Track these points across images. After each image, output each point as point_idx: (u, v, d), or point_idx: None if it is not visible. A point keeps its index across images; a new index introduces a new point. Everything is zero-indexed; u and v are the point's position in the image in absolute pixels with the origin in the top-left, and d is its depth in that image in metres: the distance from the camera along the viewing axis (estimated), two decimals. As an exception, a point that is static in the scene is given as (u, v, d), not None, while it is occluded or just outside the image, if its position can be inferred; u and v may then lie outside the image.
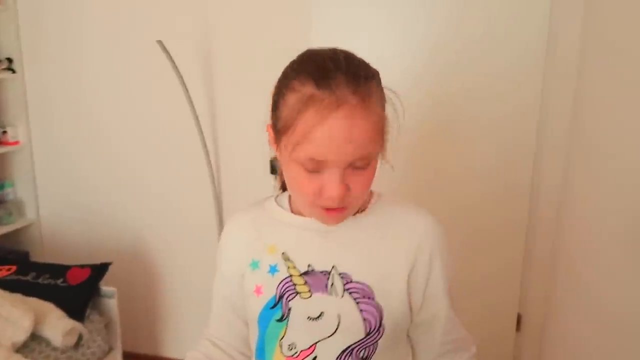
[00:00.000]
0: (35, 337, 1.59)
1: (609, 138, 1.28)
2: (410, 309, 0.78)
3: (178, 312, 2.27)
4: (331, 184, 0.65)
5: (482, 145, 1.79)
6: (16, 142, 2.25)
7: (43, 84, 2.22)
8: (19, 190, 2.33)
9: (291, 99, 0.65)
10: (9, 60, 2.17)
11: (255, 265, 0.77)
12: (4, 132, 2.21)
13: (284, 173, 0.73)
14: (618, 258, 1.15)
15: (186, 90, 1.86)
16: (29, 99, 2.25)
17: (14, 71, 2.18)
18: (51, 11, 2.12)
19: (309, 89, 0.63)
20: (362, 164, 0.66)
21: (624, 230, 1.12)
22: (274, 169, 1.95)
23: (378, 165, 0.83)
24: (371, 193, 0.80)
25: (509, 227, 1.84)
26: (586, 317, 1.35)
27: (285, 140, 0.66)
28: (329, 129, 0.62)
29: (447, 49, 1.75)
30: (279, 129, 0.68)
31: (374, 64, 0.71)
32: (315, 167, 0.65)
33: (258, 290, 0.75)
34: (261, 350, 0.78)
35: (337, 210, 0.68)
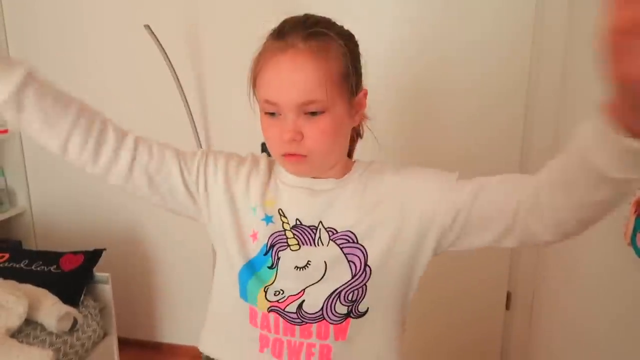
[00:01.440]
0: (30, 323, 1.60)
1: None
2: (403, 255, 0.76)
3: (173, 297, 2.29)
4: (284, 127, 0.71)
5: (471, 124, 1.81)
6: (5, 131, 2.23)
7: (30, 71, 2.19)
8: (10, 178, 2.32)
9: (256, 55, 0.74)
10: (-5, 47, 2.15)
11: (254, 210, 0.79)
12: (-8, 120, 2.20)
13: None
14: (601, 231, 1.18)
15: (175, 75, 1.85)
16: (16, 87, 2.22)
17: (0, 58, 2.16)
18: (36, -3, 2.10)
19: (268, 42, 0.73)
20: (314, 109, 0.70)
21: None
22: (264, 151, 1.96)
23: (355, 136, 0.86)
24: (353, 162, 0.84)
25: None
26: (574, 294, 1.38)
27: (255, 91, 0.75)
28: (276, 70, 0.70)
29: (438, 31, 1.76)
30: (250, 82, 0.75)
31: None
32: (272, 110, 0.71)
33: (254, 236, 0.79)
34: (243, 291, 0.80)
35: (295, 157, 0.72)
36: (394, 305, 0.81)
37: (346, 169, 0.81)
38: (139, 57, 2.02)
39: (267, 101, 0.71)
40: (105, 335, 1.90)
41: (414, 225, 0.75)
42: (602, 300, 1.19)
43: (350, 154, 0.87)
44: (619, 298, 1.10)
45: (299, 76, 0.69)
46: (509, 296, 1.92)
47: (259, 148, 1.95)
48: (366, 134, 0.89)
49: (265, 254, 0.78)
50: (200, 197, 0.81)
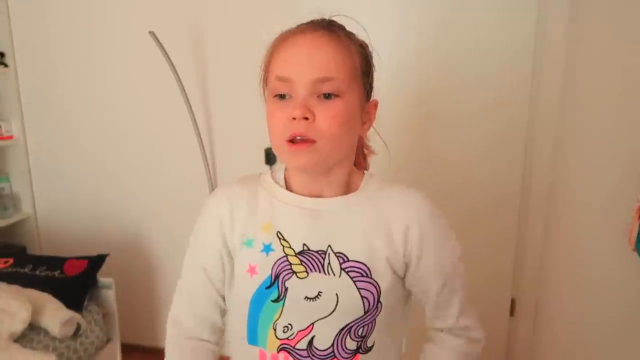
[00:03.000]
0: (33, 328, 1.60)
1: (596, 121, 1.30)
2: (403, 287, 0.78)
3: (176, 303, 2.28)
4: (295, 104, 0.66)
5: (475, 129, 1.81)
6: (10, 137, 2.25)
7: (36, 78, 2.21)
8: (15, 184, 2.33)
9: (272, 41, 0.72)
10: (1, 54, 2.17)
11: (249, 243, 0.74)
12: (-2, 126, 2.21)
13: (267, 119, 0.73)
14: (606, 237, 1.17)
15: (179, 81, 1.86)
16: (22, 93, 2.24)
17: (6, 65, 2.18)
18: (42, 4, 2.11)
19: (286, 31, 0.71)
20: (329, 90, 0.66)
21: (606, 205, 1.14)
22: (268, 159, 1.96)
23: (368, 139, 0.84)
24: (363, 173, 0.80)
25: (501, 212, 1.86)
26: (579, 300, 1.37)
27: (267, 81, 0.72)
28: (293, 48, 0.67)
29: (441, 37, 1.77)
30: (263, 71, 0.73)
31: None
32: (282, 90, 0.67)
33: (252, 270, 0.73)
34: (253, 334, 0.77)
35: (303, 144, 0.66)
36: (396, 335, 0.81)
37: (353, 181, 0.78)
38: (143, 63, 2.04)
39: (279, 78, 0.67)
40: (108, 340, 1.89)
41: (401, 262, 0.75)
42: (607, 307, 1.18)
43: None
44: (624, 304, 1.09)
45: (318, 53, 0.66)
46: (513, 302, 1.92)
47: (263, 153, 1.96)
48: (379, 144, 0.87)
49: (269, 286, 0.73)
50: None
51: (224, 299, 0.82)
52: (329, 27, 0.69)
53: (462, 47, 1.75)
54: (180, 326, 0.82)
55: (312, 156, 0.68)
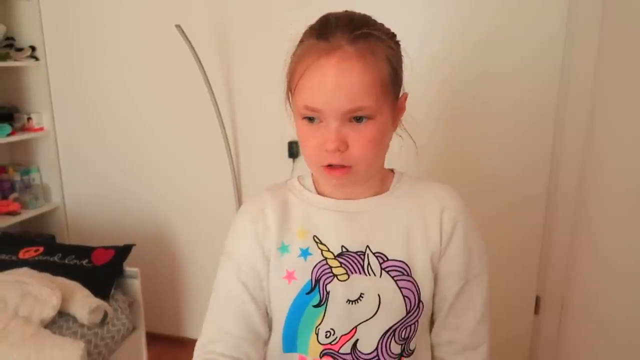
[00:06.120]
0: (62, 315, 1.64)
1: (629, 116, 1.26)
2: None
3: (199, 294, 2.32)
4: (327, 136, 0.65)
5: (502, 125, 1.78)
6: (41, 129, 2.31)
7: (65, 71, 2.26)
8: (45, 175, 2.40)
9: (296, 53, 0.68)
10: (32, 48, 2.22)
11: (285, 249, 0.73)
12: (29, 118, 2.27)
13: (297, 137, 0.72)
14: (636, 233, 1.14)
15: (204, 73, 1.88)
16: (52, 86, 2.30)
17: (37, 59, 2.24)
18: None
19: (310, 40, 0.66)
20: (361, 115, 0.65)
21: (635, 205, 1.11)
22: (291, 153, 1.97)
23: (396, 140, 0.80)
24: (393, 172, 0.80)
25: (527, 208, 1.83)
26: (608, 298, 1.34)
27: (292, 96, 0.69)
28: (320, 74, 0.63)
29: (468, 31, 1.74)
30: (288, 86, 0.70)
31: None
32: (312, 115, 0.66)
33: (290, 276, 0.72)
34: (291, 341, 0.75)
35: (339, 170, 0.67)
36: (428, 336, 0.80)
37: (385, 181, 0.77)
38: (169, 57, 2.06)
39: (308, 107, 0.65)
40: (134, 329, 1.93)
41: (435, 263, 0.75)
42: (635, 306, 1.15)
43: None
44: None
45: (346, 81, 0.62)
46: (538, 300, 1.88)
47: (286, 147, 1.96)
48: (404, 137, 0.83)
49: (310, 292, 0.71)
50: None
51: (267, 308, 0.77)
52: (357, 39, 0.64)
53: (489, 40, 1.72)
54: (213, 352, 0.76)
55: (350, 178, 0.69)
